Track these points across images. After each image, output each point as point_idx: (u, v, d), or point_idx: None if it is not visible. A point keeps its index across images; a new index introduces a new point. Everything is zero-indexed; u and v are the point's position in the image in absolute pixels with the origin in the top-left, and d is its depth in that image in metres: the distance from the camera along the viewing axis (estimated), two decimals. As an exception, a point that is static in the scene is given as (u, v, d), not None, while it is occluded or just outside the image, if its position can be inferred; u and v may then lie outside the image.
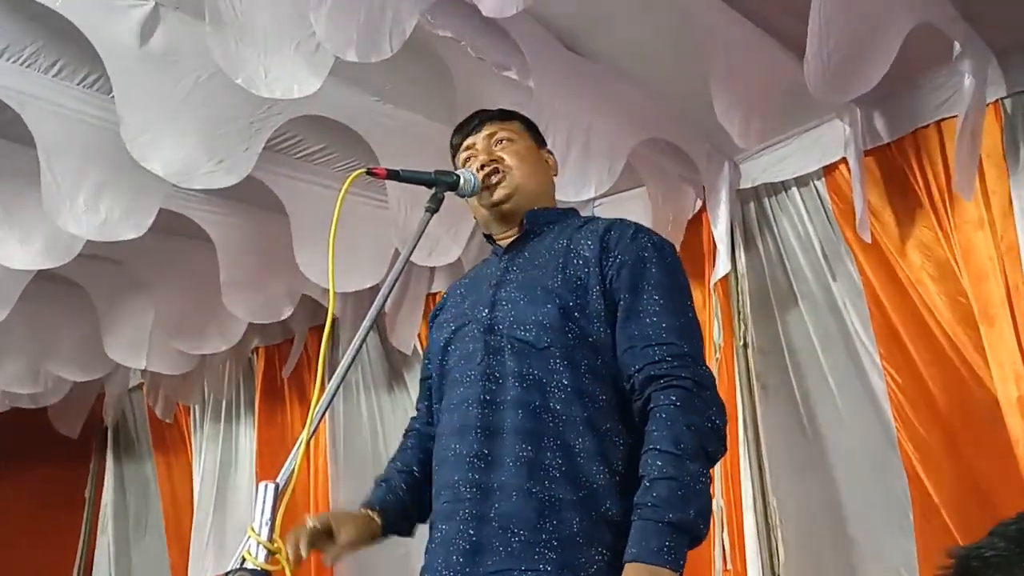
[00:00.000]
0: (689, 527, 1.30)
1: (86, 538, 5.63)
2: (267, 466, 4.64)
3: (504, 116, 1.78)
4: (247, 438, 4.82)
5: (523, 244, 1.68)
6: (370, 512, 1.62)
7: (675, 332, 1.45)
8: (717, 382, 1.50)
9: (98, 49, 2.28)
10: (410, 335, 4.00)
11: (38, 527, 5.64)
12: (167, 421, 5.27)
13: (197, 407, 5.16)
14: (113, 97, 2.37)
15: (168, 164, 2.46)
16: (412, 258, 1.46)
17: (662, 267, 1.54)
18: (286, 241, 3.18)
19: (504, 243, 1.71)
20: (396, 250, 3.22)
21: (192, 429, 5.18)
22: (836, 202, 2.87)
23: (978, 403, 2.46)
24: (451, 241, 3.14)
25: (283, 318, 3.93)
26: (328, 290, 3.58)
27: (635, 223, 1.64)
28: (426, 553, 1.52)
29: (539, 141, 1.82)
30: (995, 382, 2.38)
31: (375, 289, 3.78)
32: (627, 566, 1.29)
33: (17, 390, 4.61)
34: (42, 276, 3.45)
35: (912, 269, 2.67)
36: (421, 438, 1.76)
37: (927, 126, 2.66)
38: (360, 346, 1.31)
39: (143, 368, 4.43)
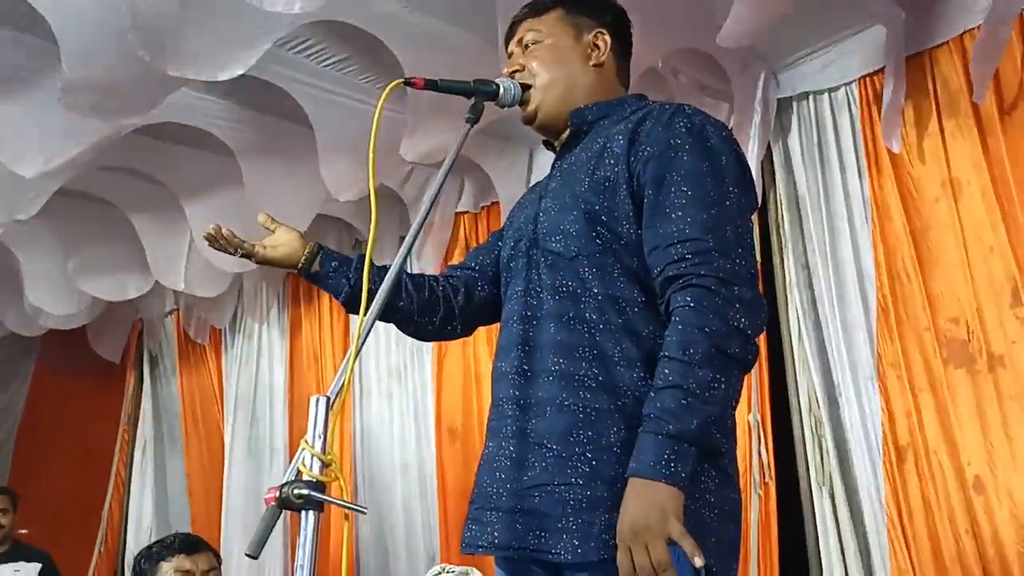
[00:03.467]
0: (693, 438, 1.22)
1: (129, 458, 5.75)
2: (297, 385, 4.72)
3: (537, 10, 1.63)
4: (279, 359, 4.89)
5: (572, 146, 1.58)
6: (310, 247, 1.65)
7: (700, 226, 1.32)
8: (756, 277, 1.36)
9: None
10: (438, 255, 4.00)
11: (77, 447, 5.83)
12: (202, 343, 5.34)
13: (228, 329, 5.23)
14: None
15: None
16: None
17: (696, 153, 1.38)
18: (309, 152, 3.13)
19: (559, 148, 1.64)
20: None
21: (223, 351, 5.25)
22: (866, 111, 2.80)
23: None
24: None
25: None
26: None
27: (679, 106, 1.48)
28: (477, 470, 1.51)
29: (580, 26, 1.61)
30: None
31: (393, 198, 3.78)
32: (628, 481, 1.24)
33: (51, 310, 4.66)
34: (71, 193, 3.45)
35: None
36: (446, 273, 1.76)
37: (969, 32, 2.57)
38: (407, 254, 1.29)
39: (181, 289, 4.45)
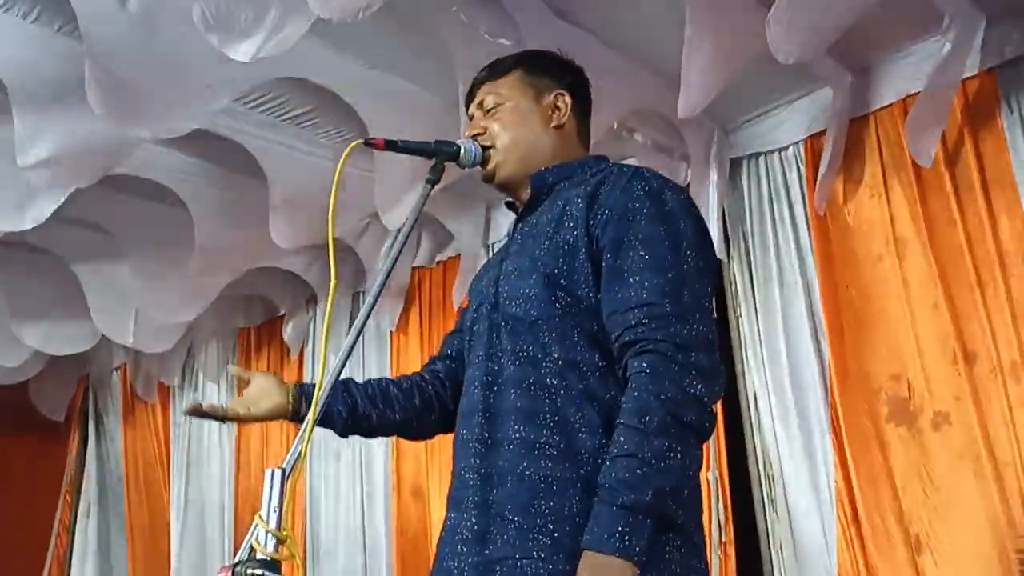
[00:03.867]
0: (648, 508, 1.19)
1: (71, 526, 5.53)
2: (245, 448, 4.62)
3: (497, 73, 1.64)
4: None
5: (532, 209, 1.58)
6: (292, 390, 1.58)
7: (657, 291, 1.31)
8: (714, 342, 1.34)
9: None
10: (394, 311, 3.97)
11: (17, 508, 5.58)
12: (149, 400, 5.20)
13: (177, 386, 5.11)
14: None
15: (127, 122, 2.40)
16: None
17: (654, 216, 1.37)
18: (262, 204, 3.12)
19: (520, 210, 1.63)
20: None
21: (171, 409, 5.13)
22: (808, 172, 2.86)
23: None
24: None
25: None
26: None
27: (637, 169, 1.48)
28: (438, 542, 1.47)
29: (541, 87, 1.61)
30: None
31: (348, 251, 3.76)
32: (582, 554, 1.20)
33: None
34: (16, 244, 3.37)
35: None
36: (428, 368, 1.74)
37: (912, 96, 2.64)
38: (365, 319, 1.26)
39: (129, 343, 4.34)
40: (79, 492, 5.57)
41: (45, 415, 5.55)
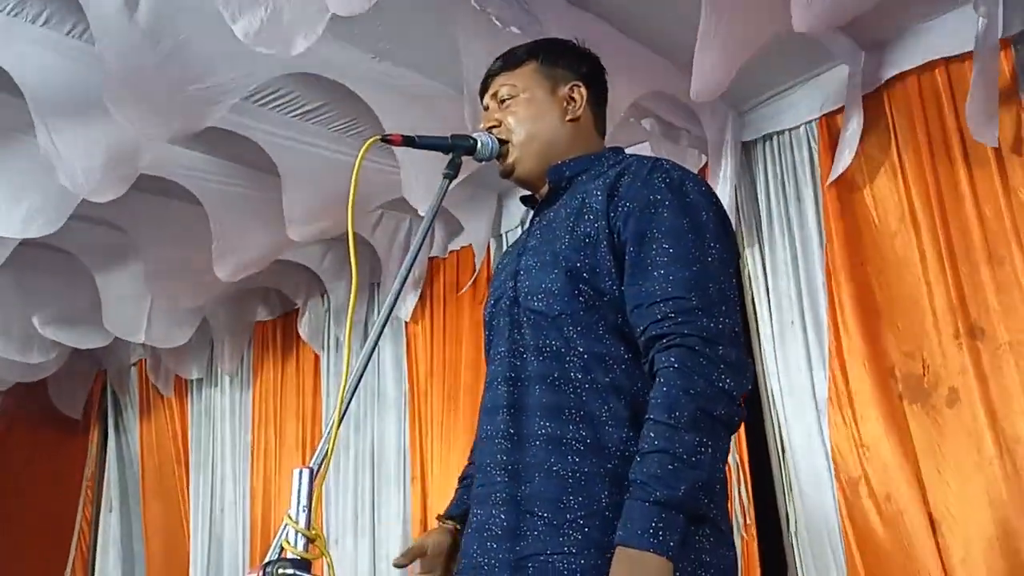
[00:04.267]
0: (680, 504, 1.19)
1: (94, 520, 5.57)
2: (260, 439, 4.64)
3: (512, 63, 1.61)
4: (245, 414, 4.81)
5: (550, 203, 1.56)
6: (450, 523, 1.61)
7: (683, 284, 1.30)
8: (740, 335, 1.33)
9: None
10: (408, 301, 3.98)
11: (40, 503, 5.64)
12: (166, 395, 5.23)
13: (195, 381, 5.14)
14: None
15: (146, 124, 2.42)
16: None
17: (676, 209, 1.37)
18: (275, 199, 3.13)
19: (538, 203, 1.62)
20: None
21: (189, 404, 5.15)
22: (823, 150, 2.84)
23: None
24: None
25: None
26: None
27: (657, 160, 1.47)
28: (463, 538, 1.47)
29: (556, 78, 1.59)
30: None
31: (363, 245, 3.76)
32: (616, 550, 1.20)
33: (16, 357, 4.54)
34: (34, 244, 3.40)
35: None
36: None
37: (932, 69, 2.62)
38: (387, 317, 1.26)
39: (141, 341, 4.37)
40: (100, 488, 5.61)
41: (63, 412, 5.59)
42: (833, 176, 2.73)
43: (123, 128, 2.50)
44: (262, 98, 2.83)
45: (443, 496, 3.53)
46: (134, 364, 5.51)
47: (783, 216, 2.95)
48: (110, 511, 5.50)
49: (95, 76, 2.33)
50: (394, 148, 2.76)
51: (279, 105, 2.89)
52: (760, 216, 3.01)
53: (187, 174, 3.22)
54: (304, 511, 1.02)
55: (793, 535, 2.72)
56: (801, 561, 2.68)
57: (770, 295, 2.93)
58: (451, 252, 3.98)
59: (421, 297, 4.02)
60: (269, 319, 4.83)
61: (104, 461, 5.68)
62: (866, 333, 2.65)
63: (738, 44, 2.28)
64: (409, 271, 1.32)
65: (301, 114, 2.96)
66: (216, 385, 5.02)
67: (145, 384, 5.39)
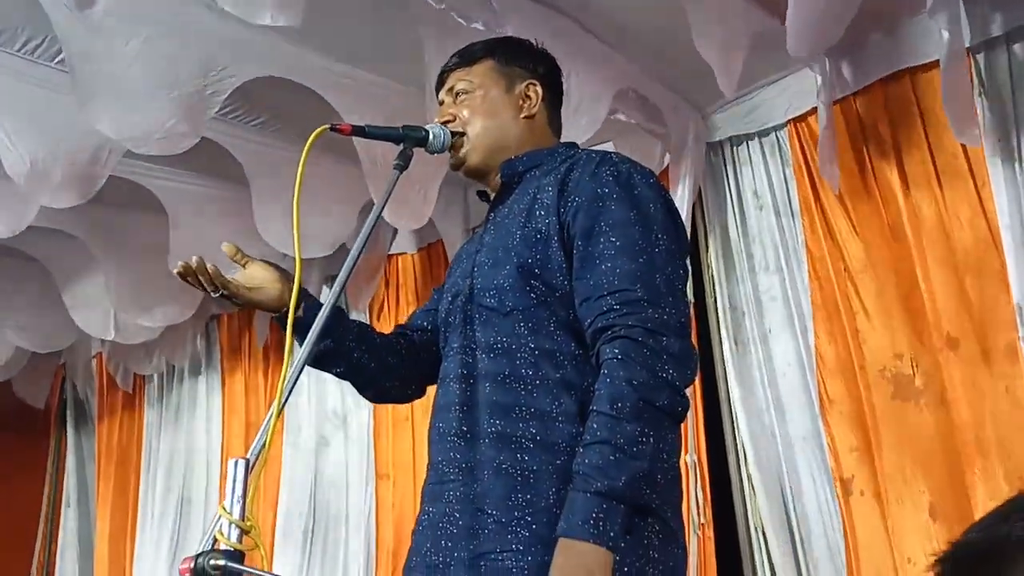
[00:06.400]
0: (621, 495, 1.19)
1: (50, 511, 5.49)
2: (231, 435, 4.60)
3: (468, 60, 1.62)
4: (208, 405, 4.75)
5: (504, 198, 1.56)
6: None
7: (628, 276, 1.31)
8: (687, 326, 1.33)
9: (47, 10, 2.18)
10: (367, 297, 3.96)
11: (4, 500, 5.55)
12: (125, 389, 5.16)
13: (155, 377, 5.07)
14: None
15: (121, 127, 2.37)
16: (384, 217, 1.37)
17: (623, 202, 1.37)
18: (245, 208, 3.09)
19: (492, 199, 1.62)
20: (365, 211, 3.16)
21: (147, 401, 5.08)
22: (797, 154, 2.83)
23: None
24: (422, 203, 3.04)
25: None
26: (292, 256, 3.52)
27: (605, 154, 1.48)
28: (413, 535, 1.45)
29: (512, 76, 1.60)
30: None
31: (343, 250, 3.73)
32: (558, 541, 1.20)
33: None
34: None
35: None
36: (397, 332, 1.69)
37: (899, 75, 2.63)
38: (329, 310, 1.25)
39: (111, 339, 4.31)
40: (56, 485, 5.53)
41: (28, 404, 5.50)
42: (818, 176, 2.72)
43: (83, 133, 2.46)
44: (225, 106, 2.78)
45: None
46: (94, 357, 5.43)
47: (752, 218, 2.95)
48: (68, 507, 5.42)
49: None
50: (355, 144, 2.79)
51: (242, 110, 2.89)
52: (727, 219, 3.01)
53: (150, 178, 3.20)
54: (239, 502, 1.01)
55: (753, 532, 2.71)
56: (765, 557, 2.67)
57: (736, 300, 2.93)
58: (420, 249, 3.95)
59: (386, 293, 3.99)
60: (228, 312, 4.75)
61: (64, 457, 5.60)
62: (850, 336, 2.65)
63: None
64: (356, 261, 1.31)
65: (262, 122, 2.96)
66: (174, 378, 4.95)
67: (103, 378, 5.30)
